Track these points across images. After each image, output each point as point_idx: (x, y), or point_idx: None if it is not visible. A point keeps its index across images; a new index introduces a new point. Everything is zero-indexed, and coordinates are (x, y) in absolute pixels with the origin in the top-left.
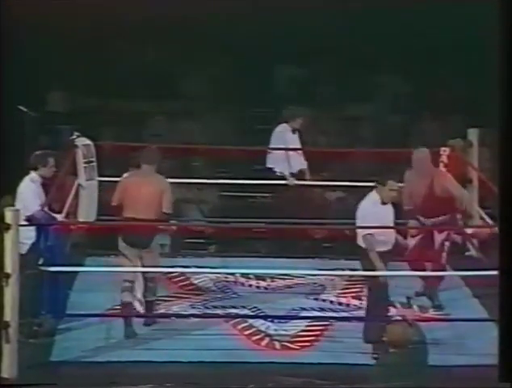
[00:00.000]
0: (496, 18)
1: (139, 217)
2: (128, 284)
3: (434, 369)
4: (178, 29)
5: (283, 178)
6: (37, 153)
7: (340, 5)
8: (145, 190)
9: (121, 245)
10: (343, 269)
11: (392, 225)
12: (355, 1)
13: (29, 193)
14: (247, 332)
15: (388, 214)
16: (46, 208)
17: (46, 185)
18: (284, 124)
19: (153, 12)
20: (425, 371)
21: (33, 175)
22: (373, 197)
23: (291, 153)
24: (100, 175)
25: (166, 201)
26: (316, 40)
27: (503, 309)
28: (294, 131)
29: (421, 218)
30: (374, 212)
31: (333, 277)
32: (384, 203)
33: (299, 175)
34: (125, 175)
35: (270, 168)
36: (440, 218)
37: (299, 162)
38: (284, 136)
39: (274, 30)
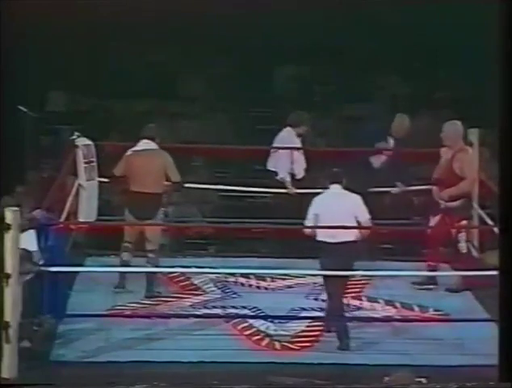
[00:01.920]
0: (496, 18)
1: (146, 191)
2: (127, 244)
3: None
4: (178, 29)
5: (282, 184)
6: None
7: (342, 5)
8: (151, 164)
9: (126, 214)
10: None
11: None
12: (358, 1)
13: None
14: (247, 332)
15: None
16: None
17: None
18: (289, 129)
19: (152, 12)
20: None
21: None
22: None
23: (294, 157)
24: (100, 176)
25: (173, 172)
26: (318, 41)
27: (503, 309)
28: (298, 136)
29: (441, 201)
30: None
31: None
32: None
33: (301, 180)
34: (129, 150)
35: (272, 171)
36: (456, 203)
37: (301, 167)
38: (289, 140)
39: (275, 30)
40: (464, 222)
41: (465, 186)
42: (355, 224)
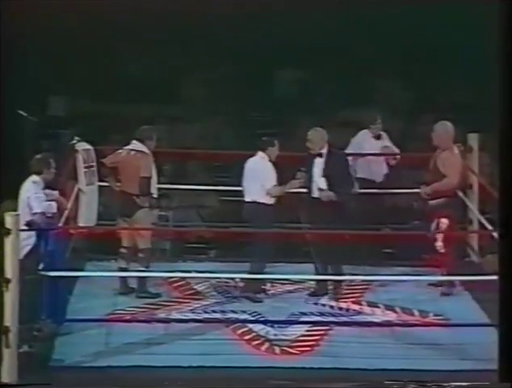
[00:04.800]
0: (496, 18)
1: (124, 190)
2: (123, 250)
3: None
4: (178, 29)
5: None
6: (38, 156)
7: (342, 6)
8: (127, 164)
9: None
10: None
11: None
12: (358, 2)
13: (33, 195)
14: (247, 337)
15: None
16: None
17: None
18: (365, 131)
19: (152, 14)
20: None
21: (35, 177)
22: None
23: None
24: (100, 180)
25: (143, 167)
26: (320, 43)
27: (503, 312)
28: (377, 137)
29: (425, 196)
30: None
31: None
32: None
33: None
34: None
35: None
36: (439, 200)
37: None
38: (363, 143)
39: (276, 32)
40: (445, 220)
41: (447, 183)
42: (260, 189)
